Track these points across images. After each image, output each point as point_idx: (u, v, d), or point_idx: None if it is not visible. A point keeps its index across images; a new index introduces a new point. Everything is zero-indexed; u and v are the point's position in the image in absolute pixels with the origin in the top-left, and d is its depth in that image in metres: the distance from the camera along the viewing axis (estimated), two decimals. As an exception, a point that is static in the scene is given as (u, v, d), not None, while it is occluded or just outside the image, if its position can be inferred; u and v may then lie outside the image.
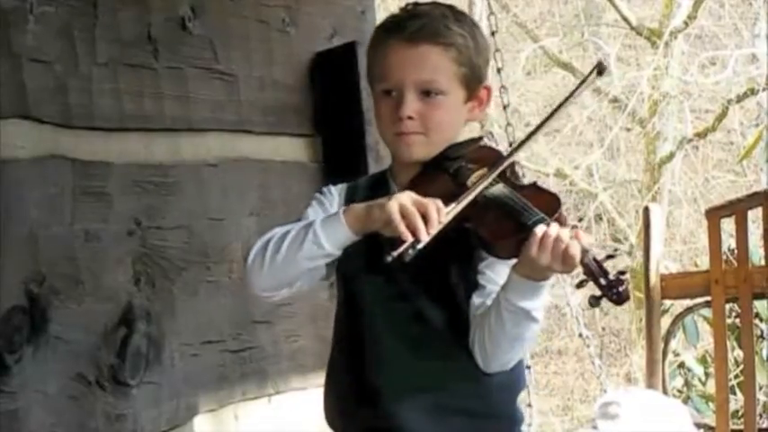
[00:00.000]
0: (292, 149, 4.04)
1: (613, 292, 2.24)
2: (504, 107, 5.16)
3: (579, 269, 2.30)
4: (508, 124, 5.06)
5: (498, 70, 5.21)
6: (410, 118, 2.46)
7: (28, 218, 3.03)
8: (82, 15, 3.22)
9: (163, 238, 3.45)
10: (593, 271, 2.26)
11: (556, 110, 2.60)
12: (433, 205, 2.27)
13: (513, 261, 2.36)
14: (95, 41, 3.25)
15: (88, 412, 3.18)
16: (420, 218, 2.25)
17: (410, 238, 2.23)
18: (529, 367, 5.33)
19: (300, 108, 4.05)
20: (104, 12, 3.28)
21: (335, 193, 2.60)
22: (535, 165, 13.18)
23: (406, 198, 2.29)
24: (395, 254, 2.23)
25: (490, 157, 2.48)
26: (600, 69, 2.51)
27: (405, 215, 2.26)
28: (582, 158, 14.04)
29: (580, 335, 6.40)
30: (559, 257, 2.26)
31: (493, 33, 5.19)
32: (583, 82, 2.55)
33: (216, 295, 3.62)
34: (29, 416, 2.99)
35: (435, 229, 2.26)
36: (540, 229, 2.27)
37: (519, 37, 14.43)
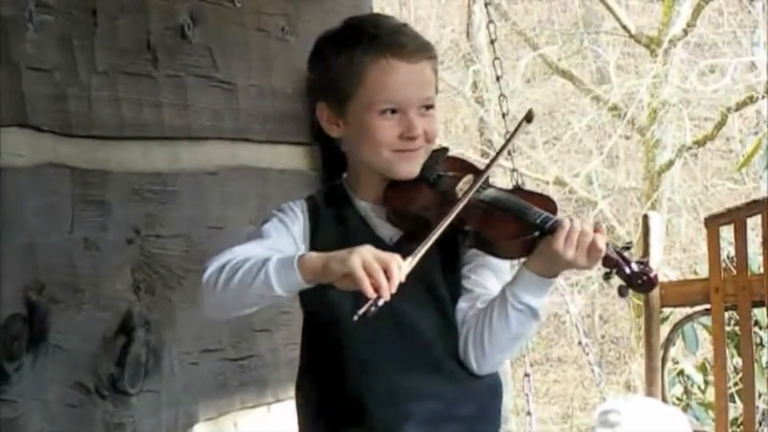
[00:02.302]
0: (291, 158, 4.04)
1: (643, 279, 2.30)
2: (504, 115, 5.16)
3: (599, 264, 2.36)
4: (507, 132, 5.07)
5: (497, 78, 5.22)
6: (419, 135, 2.47)
7: (27, 226, 3.03)
8: (81, 24, 3.22)
9: (162, 247, 3.45)
10: (618, 262, 2.31)
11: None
12: (395, 261, 2.22)
13: (507, 262, 2.44)
14: (94, 50, 3.25)
15: (87, 421, 3.18)
16: (383, 275, 2.20)
17: (374, 296, 2.19)
18: (528, 375, 5.34)
19: (299, 116, 4.05)
20: (103, 20, 3.28)
21: (298, 210, 2.55)
22: (534, 173, 13.19)
23: (368, 253, 2.22)
24: (360, 313, 2.19)
25: (464, 166, 2.53)
26: (528, 118, 2.54)
27: (368, 272, 2.20)
28: (581, 166, 14.05)
29: (579, 343, 6.40)
30: (585, 251, 2.31)
31: (492, 41, 5.20)
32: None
33: (215, 303, 3.62)
34: (28, 424, 2.98)
35: (396, 285, 2.21)
36: (567, 223, 2.32)
37: (518, 45, 14.45)
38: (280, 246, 2.44)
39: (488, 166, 2.49)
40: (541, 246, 2.35)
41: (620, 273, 2.30)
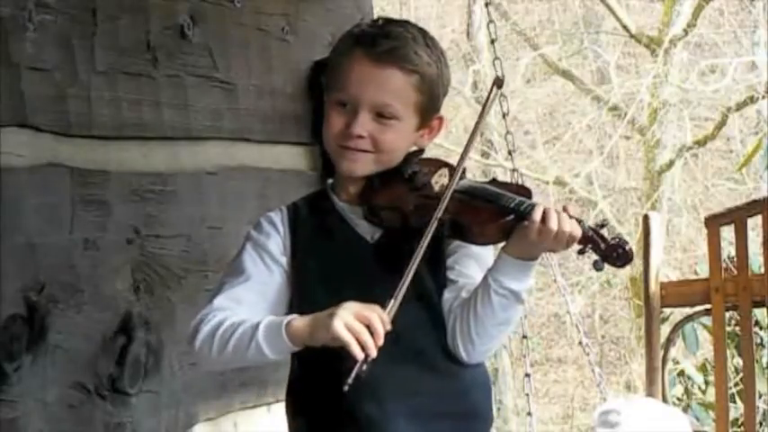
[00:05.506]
0: (291, 158, 4.04)
1: (618, 252, 2.32)
2: (504, 115, 5.15)
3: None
4: (507, 132, 5.06)
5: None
6: (360, 137, 2.49)
7: (26, 226, 3.03)
8: (81, 23, 3.22)
9: (162, 247, 3.45)
10: (592, 238, 2.34)
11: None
12: (376, 315, 2.27)
13: (485, 248, 2.47)
14: (94, 50, 3.25)
15: (87, 421, 3.18)
16: (368, 333, 2.25)
17: (362, 356, 2.24)
18: (528, 375, 5.33)
19: (299, 116, 4.05)
20: (103, 20, 3.28)
21: (278, 221, 2.58)
22: (534, 173, 13.18)
23: (349, 314, 2.26)
24: (350, 381, 2.24)
25: (439, 163, 2.56)
26: (498, 83, 2.57)
27: (353, 333, 2.25)
28: (581, 166, 14.05)
29: (580, 343, 6.39)
30: (562, 239, 2.33)
31: (492, 41, 5.19)
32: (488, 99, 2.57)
33: (215, 303, 3.61)
34: (28, 424, 2.98)
35: (382, 339, 2.26)
36: (537, 215, 2.33)
37: (518, 45, 14.46)
38: (260, 280, 2.51)
39: (465, 152, 2.51)
40: (518, 231, 2.37)
41: (596, 249, 2.33)
